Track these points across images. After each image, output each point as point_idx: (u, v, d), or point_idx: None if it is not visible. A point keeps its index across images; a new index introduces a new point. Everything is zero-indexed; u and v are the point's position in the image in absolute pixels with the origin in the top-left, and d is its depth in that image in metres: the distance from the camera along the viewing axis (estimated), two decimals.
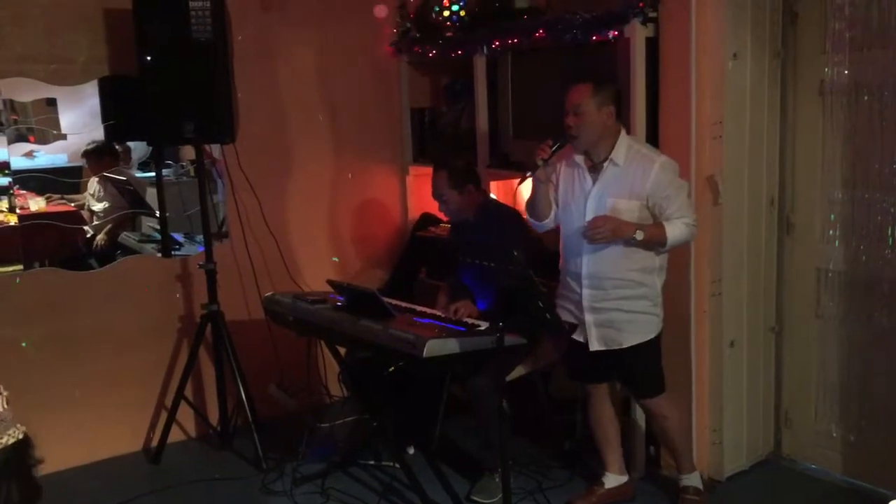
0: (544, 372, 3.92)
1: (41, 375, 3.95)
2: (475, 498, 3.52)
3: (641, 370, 3.27)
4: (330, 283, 3.57)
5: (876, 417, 3.45)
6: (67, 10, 3.88)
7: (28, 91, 4.07)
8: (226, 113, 3.77)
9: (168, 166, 5.26)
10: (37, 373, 3.94)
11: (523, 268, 2.81)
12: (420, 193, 4.79)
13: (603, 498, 3.43)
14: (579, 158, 3.17)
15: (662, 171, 3.05)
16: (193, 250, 4.41)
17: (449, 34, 4.28)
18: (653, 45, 3.42)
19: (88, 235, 5.22)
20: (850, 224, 3.44)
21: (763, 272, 3.65)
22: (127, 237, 5.21)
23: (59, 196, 5.43)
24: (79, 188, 5.47)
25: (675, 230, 3.05)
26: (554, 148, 3.09)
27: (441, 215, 4.59)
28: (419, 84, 4.82)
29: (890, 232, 3.30)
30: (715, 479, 3.62)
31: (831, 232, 3.51)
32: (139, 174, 5.77)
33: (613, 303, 3.15)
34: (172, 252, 4.51)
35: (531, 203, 3.30)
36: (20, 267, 4.06)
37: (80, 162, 5.41)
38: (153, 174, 5.00)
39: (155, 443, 4.14)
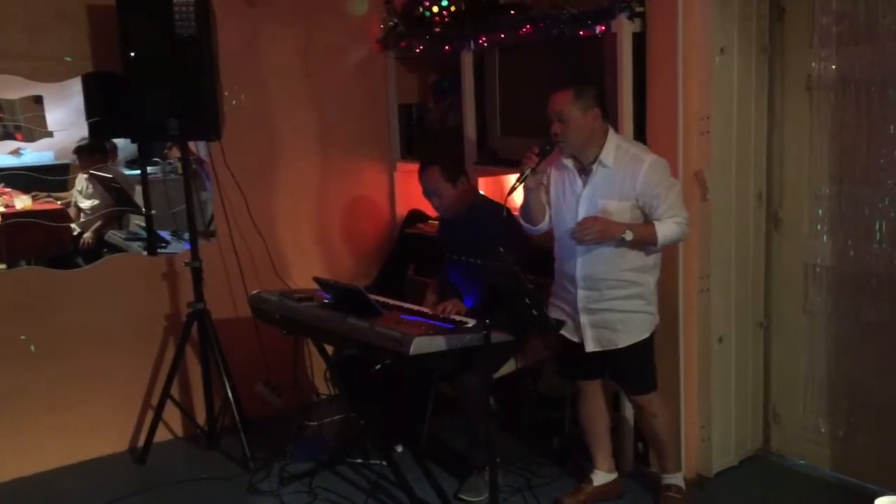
0: (533, 369, 3.91)
1: (26, 375, 3.92)
2: (463, 496, 3.51)
3: (635, 368, 3.26)
4: (316, 280, 3.55)
5: (864, 413, 3.45)
6: (50, 7, 3.84)
7: (15, 88, 4.04)
8: (211, 110, 3.74)
9: (155, 164, 5.23)
10: (21, 372, 3.91)
11: (510, 265, 2.79)
12: (408, 190, 4.77)
13: (591, 495, 3.42)
14: (568, 161, 3.16)
15: (652, 170, 3.04)
16: (180, 248, 4.38)
17: (437, 30, 4.25)
18: (640, 41, 3.40)
19: (76, 233, 5.19)
20: (837, 219, 3.44)
21: (751, 268, 3.65)
22: (113, 235, 5.18)
23: (45, 194, 5.41)
24: (65, 186, 5.44)
25: (665, 229, 3.03)
26: (540, 156, 3.07)
27: (430, 212, 4.59)
28: (406, 80, 4.80)
29: (877, 227, 3.30)
30: (704, 476, 3.62)
31: (819, 227, 3.51)
32: (127, 172, 5.75)
33: (608, 303, 3.14)
34: (158, 250, 4.48)
35: (524, 209, 3.29)
36: (3, 266, 4.03)
37: (68, 159, 5.38)
38: (137, 172, 4.97)
39: (141, 443, 4.10)
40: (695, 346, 3.51)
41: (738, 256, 3.58)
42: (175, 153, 4.67)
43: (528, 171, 3.06)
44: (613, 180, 3.07)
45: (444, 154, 3.79)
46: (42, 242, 4.81)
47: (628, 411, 3.60)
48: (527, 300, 2.85)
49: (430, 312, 3.45)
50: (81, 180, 5.37)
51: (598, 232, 3.01)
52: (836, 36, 3.31)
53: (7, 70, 3.83)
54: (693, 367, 3.53)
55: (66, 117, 5.08)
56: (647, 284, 3.17)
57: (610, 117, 3.20)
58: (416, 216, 4.77)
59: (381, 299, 3.53)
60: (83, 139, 5.23)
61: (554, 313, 3.30)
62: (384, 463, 3.64)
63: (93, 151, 5.24)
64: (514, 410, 4.05)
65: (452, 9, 4.25)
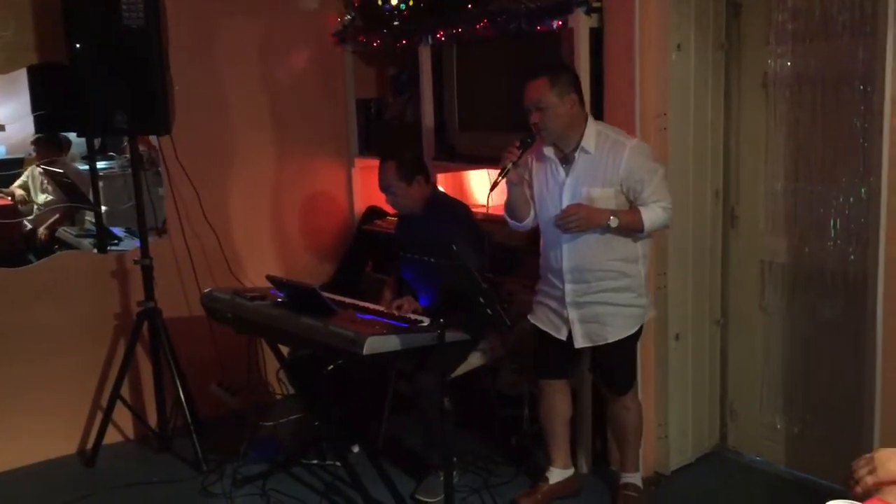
0: (491, 367, 3.87)
1: None
2: (420, 497, 3.46)
3: (619, 366, 3.23)
4: (270, 278, 3.47)
5: (819, 409, 3.47)
6: None
7: None
8: (160, 104, 3.64)
9: (111, 158, 5.11)
10: None
11: (463, 263, 2.75)
12: (366, 186, 4.71)
13: (547, 494, 3.39)
14: (549, 151, 3.10)
15: (634, 154, 2.98)
16: (133, 245, 4.27)
17: (395, 23, 4.19)
18: (597, 36, 3.38)
19: (27, 229, 5.05)
20: (793, 216, 3.45)
21: (708, 265, 3.64)
22: (65, 232, 5.06)
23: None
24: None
25: (652, 214, 2.98)
26: (521, 149, 3.01)
27: (388, 208, 4.53)
28: (364, 74, 4.74)
29: (832, 224, 3.31)
30: (661, 473, 3.61)
31: (775, 224, 3.52)
32: (83, 167, 5.63)
33: (597, 296, 3.09)
34: (109, 247, 4.37)
35: (508, 205, 3.22)
36: None
37: (22, 153, 5.24)
38: (99, 165, 4.85)
39: (90, 445, 4.00)
40: (652, 344, 3.50)
41: (695, 253, 3.58)
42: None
43: (509, 165, 3.00)
44: (596, 167, 3.01)
45: (403, 151, 3.72)
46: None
47: (587, 409, 3.58)
48: (481, 299, 2.80)
49: (386, 311, 3.39)
50: (35, 174, 5.24)
51: (582, 219, 2.95)
52: (792, 33, 3.31)
53: None
54: (650, 365, 3.52)
55: (17, 111, 4.95)
56: (637, 275, 3.11)
57: (585, 103, 3.12)
58: (374, 213, 4.71)
59: (337, 298, 3.47)
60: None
61: (539, 311, 3.26)
62: (340, 464, 3.58)
63: (49, 144, 5.12)
64: (471, 409, 4.01)
65: (411, 3, 4.20)
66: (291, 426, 4.06)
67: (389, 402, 3.77)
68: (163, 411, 4.02)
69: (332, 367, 3.01)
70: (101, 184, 4.52)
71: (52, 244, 4.72)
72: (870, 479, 1.77)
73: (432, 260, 2.88)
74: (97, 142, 4.80)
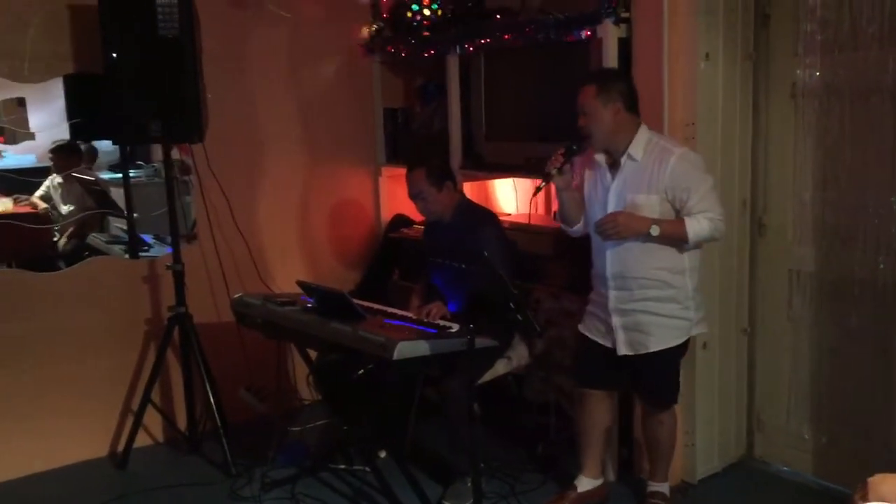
0: (517, 375, 3.89)
1: (4, 379, 3.87)
2: (447, 502, 3.48)
3: (660, 378, 3.20)
4: (300, 284, 3.52)
5: (847, 419, 3.45)
6: (31, 6, 3.79)
7: None
8: (194, 112, 3.70)
9: (139, 167, 5.19)
10: (0, 376, 3.86)
11: (494, 269, 2.77)
12: (393, 194, 4.75)
13: (575, 501, 3.40)
14: (600, 157, 3.13)
15: (680, 162, 2.97)
16: (163, 251, 4.34)
17: (426, 34, 4.24)
18: (625, 46, 3.40)
19: (56, 239, 5.14)
20: (821, 226, 3.44)
21: (736, 274, 3.65)
22: (95, 238, 5.14)
23: (26, 197, 5.36)
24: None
25: (696, 225, 2.95)
26: (566, 157, 3.05)
27: (414, 216, 4.57)
28: (392, 84, 4.78)
29: (861, 233, 3.30)
30: (688, 482, 3.61)
31: (803, 234, 3.51)
32: (110, 176, 5.71)
33: (640, 304, 3.08)
34: (140, 253, 4.44)
35: (560, 211, 3.26)
36: None
37: (50, 162, 5.33)
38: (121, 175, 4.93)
39: (121, 448, 4.05)
40: None
41: (723, 262, 3.58)
42: (159, 155, 4.64)
43: (553, 171, 3.04)
44: (642, 173, 3.02)
45: (431, 157, 3.77)
46: (22, 245, 4.76)
47: (613, 417, 3.58)
48: (512, 305, 2.83)
49: (414, 317, 3.43)
50: (55, 184, 5.33)
51: (620, 225, 2.96)
52: (821, 43, 3.32)
53: None
54: None
55: (48, 119, 5.03)
56: (683, 287, 3.08)
57: (638, 111, 3.13)
58: (400, 221, 4.75)
59: (365, 304, 3.51)
60: (59, 140, 5.19)
61: (588, 320, 3.27)
62: (367, 469, 3.61)
63: (69, 153, 5.21)
64: (498, 416, 4.03)
65: (439, 13, 4.25)
66: (319, 431, 4.10)
67: (416, 407, 3.79)
68: (192, 415, 4.07)
69: (362, 371, 3.04)
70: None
71: (82, 251, 4.80)
72: None
73: (463, 266, 2.91)
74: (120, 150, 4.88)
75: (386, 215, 4.81)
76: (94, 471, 4.00)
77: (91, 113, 4.03)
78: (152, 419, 4.13)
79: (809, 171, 3.45)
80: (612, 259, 3.09)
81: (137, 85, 3.66)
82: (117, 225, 5.25)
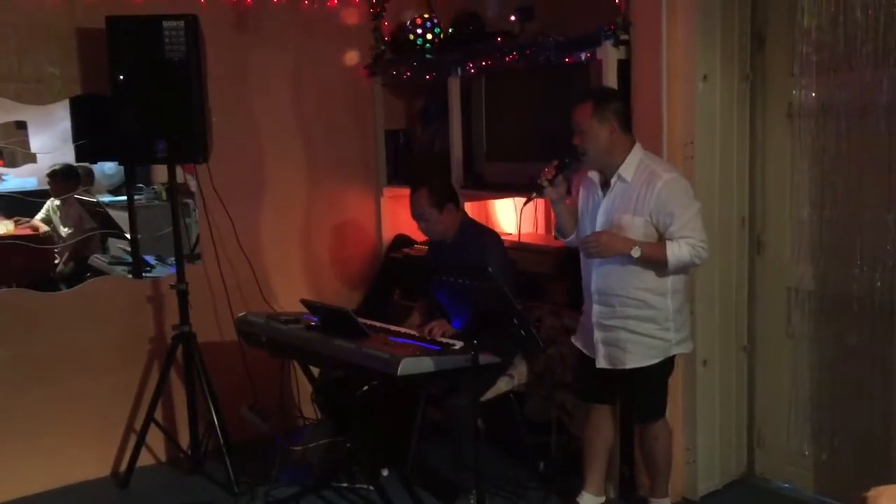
0: (519, 393, 3.91)
1: (8, 398, 3.88)
2: None
3: (642, 394, 3.24)
4: (304, 302, 3.55)
5: (847, 436, 3.48)
6: (40, 29, 3.85)
7: None
8: (199, 133, 3.75)
9: (139, 190, 5.23)
10: (3, 395, 3.87)
11: (498, 284, 2.81)
12: (394, 215, 4.80)
13: None
14: (594, 175, 3.20)
15: (667, 187, 3.02)
16: (165, 272, 4.37)
17: (428, 56, 4.30)
18: (625, 67, 3.46)
19: (56, 262, 5.16)
20: (818, 243, 3.49)
21: (735, 291, 3.69)
22: (97, 259, 5.17)
23: (27, 219, 5.39)
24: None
25: (677, 249, 3.00)
26: (559, 169, 3.10)
27: (416, 236, 4.61)
28: (393, 106, 4.84)
29: (858, 250, 3.35)
30: (689, 499, 3.62)
31: (801, 252, 3.56)
32: (110, 199, 5.74)
33: (620, 321, 3.13)
34: (143, 273, 4.47)
35: (556, 222, 3.33)
36: None
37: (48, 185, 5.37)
38: (123, 198, 4.97)
39: (123, 467, 4.06)
40: (680, 369, 3.52)
41: (722, 280, 3.62)
42: (160, 178, 4.68)
43: (545, 183, 3.09)
44: (630, 195, 3.08)
45: (434, 178, 3.82)
46: (24, 267, 4.78)
47: (614, 434, 3.60)
48: (515, 321, 2.86)
49: (417, 334, 3.45)
50: (54, 207, 5.36)
51: (602, 245, 3.02)
52: (816, 64, 3.38)
53: None
54: (678, 390, 3.54)
55: (50, 142, 5.07)
56: (664, 309, 3.12)
57: (632, 131, 3.19)
58: (401, 241, 4.79)
59: (368, 322, 3.54)
60: (55, 165, 5.23)
61: (580, 331, 3.33)
62: (370, 487, 3.62)
63: (66, 177, 5.24)
64: (500, 435, 4.04)
65: (441, 36, 4.32)
66: (322, 450, 4.09)
67: (419, 425, 3.81)
68: (195, 434, 4.08)
69: (366, 387, 3.06)
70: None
71: (83, 272, 4.82)
72: None
73: (467, 282, 2.94)
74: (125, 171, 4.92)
75: (387, 235, 4.85)
76: (96, 491, 4.00)
77: (97, 134, 4.07)
78: (155, 438, 4.14)
79: (806, 189, 3.50)
80: (597, 274, 3.16)
81: (143, 106, 3.71)
82: (119, 246, 5.28)
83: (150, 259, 4.73)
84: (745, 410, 3.80)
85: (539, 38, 3.68)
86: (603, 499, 3.49)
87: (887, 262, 3.24)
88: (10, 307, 3.92)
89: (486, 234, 3.74)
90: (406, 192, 4.23)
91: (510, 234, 4.54)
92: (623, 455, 3.65)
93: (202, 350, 3.99)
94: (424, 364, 3.03)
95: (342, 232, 4.80)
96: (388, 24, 4.64)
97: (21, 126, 4.95)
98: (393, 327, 3.59)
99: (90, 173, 5.69)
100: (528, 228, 3.44)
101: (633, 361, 3.15)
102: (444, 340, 3.34)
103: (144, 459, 4.10)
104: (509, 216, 4.69)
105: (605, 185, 3.16)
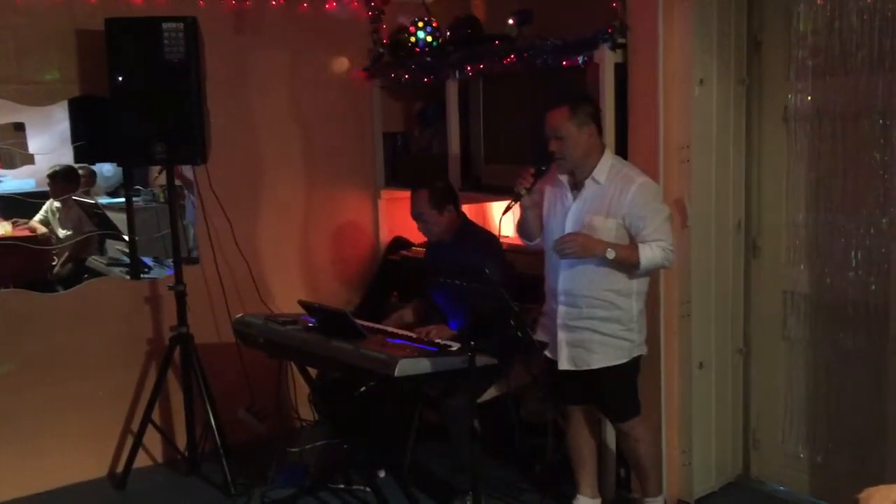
0: (515, 395, 3.92)
1: (4, 399, 3.88)
2: None
3: (613, 394, 3.27)
4: (301, 303, 3.56)
5: (842, 438, 3.49)
6: (38, 31, 3.86)
7: None
8: (198, 134, 3.76)
9: (137, 192, 5.24)
10: (0, 397, 3.87)
11: (495, 286, 2.82)
12: (392, 217, 4.81)
13: None
14: (563, 177, 3.22)
15: (641, 190, 3.07)
16: (163, 273, 4.38)
17: (428, 59, 4.31)
18: (622, 71, 3.47)
19: (54, 263, 5.17)
20: (814, 247, 3.51)
21: (731, 294, 3.70)
22: (95, 261, 5.17)
23: (24, 221, 5.40)
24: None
25: (649, 252, 3.06)
26: (536, 176, 3.12)
27: (413, 238, 4.63)
28: (392, 108, 4.85)
29: (853, 255, 3.36)
30: (685, 501, 3.63)
31: (797, 255, 3.57)
32: (108, 201, 5.75)
33: (586, 322, 3.16)
34: (141, 275, 4.47)
35: (521, 224, 3.35)
36: None
37: (49, 187, 5.37)
38: (121, 200, 4.97)
39: (121, 468, 4.06)
40: (676, 372, 3.55)
41: (718, 283, 3.64)
42: (160, 180, 4.69)
43: (523, 191, 3.12)
44: (603, 197, 3.11)
45: (437, 180, 3.83)
46: (22, 268, 4.79)
47: (609, 436, 3.62)
48: (512, 322, 2.87)
49: (415, 336, 3.47)
50: (53, 208, 5.37)
51: (578, 246, 3.05)
52: (812, 69, 3.40)
53: None
54: (674, 393, 3.56)
55: (48, 144, 5.08)
56: (629, 309, 3.18)
57: (605, 135, 3.24)
58: (399, 243, 4.80)
59: (366, 323, 3.55)
60: (55, 165, 5.24)
61: (541, 333, 3.33)
62: (367, 488, 3.63)
63: (66, 179, 5.25)
64: (496, 437, 4.05)
65: (430, 39, 4.33)
66: (318, 451, 4.11)
67: (416, 426, 3.82)
68: (192, 435, 4.08)
69: (364, 388, 3.07)
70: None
71: (81, 273, 4.83)
72: None
73: (464, 283, 2.95)
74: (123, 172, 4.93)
75: (385, 237, 4.86)
76: (93, 491, 4.01)
77: (96, 136, 4.08)
78: (152, 439, 4.15)
79: (802, 193, 3.51)
80: (564, 276, 3.18)
81: (142, 108, 3.72)
82: (117, 248, 5.29)
83: (148, 260, 4.74)
84: (740, 413, 3.81)
85: (536, 41, 3.69)
86: (598, 501, 3.51)
87: (882, 266, 3.26)
88: (7, 308, 3.92)
89: (485, 237, 3.75)
90: (404, 194, 4.24)
91: (507, 236, 4.55)
92: (619, 457, 3.66)
93: (200, 351, 4.00)
94: (421, 365, 3.04)
95: (340, 234, 4.81)
96: (386, 27, 4.65)
97: (19, 128, 4.96)
98: (390, 329, 3.59)
99: (92, 174, 5.71)
100: (510, 231, 3.47)
101: (598, 362, 3.17)
102: (442, 342, 3.35)
103: (141, 460, 4.10)
104: (506, 218, 4.69)
105: (575, 186, 3.19)
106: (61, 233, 5.35)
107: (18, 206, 5.25)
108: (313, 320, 3.52)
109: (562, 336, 3.21)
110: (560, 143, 3.10)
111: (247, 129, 4.43)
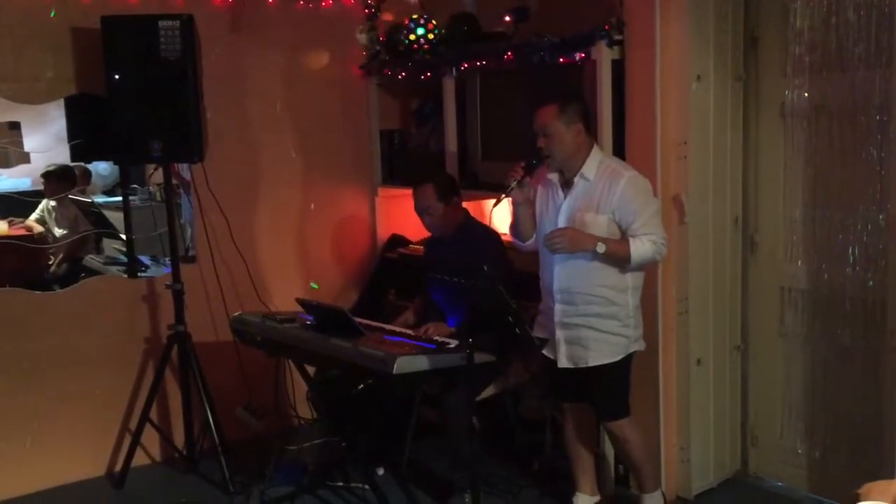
0: (514, 392, 3.92)
1: (1, 398, 3.88)
2: None
3: (605, 392, 3.26)
4: (299, 301, 3.56)
5: (840, 434, 3.50)
6: (34, 29, 3.85)
7: None
8: (194, 132, 3.75)
9: (134, 191, 5.24)
10: None
11: (494, 283, 2.82)
12: (389, 214, 4.81)
13: None
14: (553, 176, 3.22)
15: (629, 185, 3.09)
16: (160, 272, 4.37)
17: (427, 57, 4.30)
18: (619, 67, 3.47)
19: (50, 262, 5.17)
20: (812, 243, 3.51)
21: (728, 291, 3.70)
22: (92, 259, 5.17)
23: (20, 220, 5.40)
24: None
25: (640, 246, 3.06)
26: (526, 170, 3.12)
27: (411, 236, 4.63)
28: (389, 106, 4.84)
29: (851, 251, 3.36)
30: (683, 498, 3.64)
31: (794, 251, 3.58)
32: (104, 199, 5.75)
33: (583, 319, 3.16)
34: (138, 273, 4.47)
35: (514, 225, 3.35)
36: None
37: (42, 185, 5.37)
38: (117, 198, 4.97)
39: (119, 467, 4.06)
40: (673, 368, 3.55)
41: (716, 280, 3.64)
42: (156, 178, 4.69)
43: (513, 184, 3.12)
44: (593, 193, 3.12)
45: (440, 174, 3.84)
46: (19, 267, 4.79)
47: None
48: (510, 318, 2.87)
49: (413, 333, 3.47)
50: (48, 207, 5.37)
51: (568, 240, 3.05)
52: (809, 64, 3.40)
53: None
54: (672, 389, 3.57)
55: (44, 142, 5.08)
56: (625, 305, 3.18)
57: (593, 132, 3.25)
58: (397, 241, 4.79)
59: (364, 321, 3.54)
60: (50, 165, 5.23)
61: (538, 331, 3.32)
62: (366, 486, 3.63)
63: (60, 178, 5.24)
64: (494, 434, 4.05)
65: (432, 37, 4.32)
66: (316, 449, 4.10)
67: (414, 424, 3.82)
68: (190, 433, 4.08)
69: (362, 386, 3.07)
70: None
71: (77, 272, 4.82)
72: None
73: (462, 281, 2.95)
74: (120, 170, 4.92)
75: (382, 235, 4.85)
76: (91, 490, 4.00)
77: (92, 134, 4.07)
78: (150, 438, 4.14)
79: (799, 189, 3.52)
80: (559, 274, 3.18)
81: (139, 106, 3.72)
82: (114, 246, 5.29)
83: (145, 259, 4.74)
84: (738, 409, 3.82)
85: (533, 38, 3.69)
86: (598, 498, 3.51)
87: (879, 262, 3.26)
88: (4, 307, 3.91)
89: (486, 234, 3.75)
90: (401, 192, 4.24)
91: (504, 233, 4.55)
92: (618, 454, 3.66)
93: (197, 350, 4.00)
94: (420, 363, 3.04)
95: (337, 232, 4.80)
96: (382, 25, 4.65)
97: (14, 126, 4.96)
98: (388, 326, 3.59)
99: (87, 173, 5.70)
100: (504, 229, 3.48)
101: (595, 359, 3.17)
102: (440, 339, 3.35)
103: (140, 459, 4.10)
104: (504, 215, 4.70)
105: (566, 184, 3.19)
106: (58, 232, 5.35)
107: (15, 205, 5.25)
108: (311, 318, 3.51)
109: (559, 334, 3.22)
110: (547, 141, 3.11)
111: (243, 126, 4.42)
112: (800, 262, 3.55)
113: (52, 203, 5.38)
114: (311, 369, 3.88)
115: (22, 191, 5.59)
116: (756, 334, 3.76)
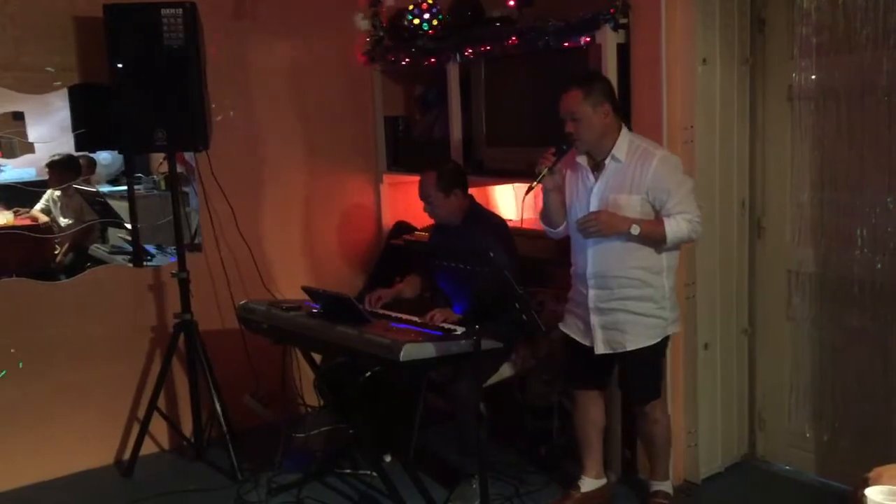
0: (520, 378, 3.92)
1: (11, 388, 3.89)
2: None
3: (641, 376, 3.24)
4: (305, 289, 3.55)
5: (848, 417, 3.49)
6: (37, 18, 3.84)
7: None
8: (198, 120, 3.74)
9: (138, 180, 5.23)
10: (6, 385, 3.88)
11: (500, 269, 2.81)
12: (394, 201, 4.80)
13: (578, 502, 3.43)
14: (581, 159, 3.18)
15: (662, 164, 3.04)
16: (165, 261, 4.37)
17: (430, 42, 4.28)
18: (624, 51, 3.45)
19: (56, 252, 5.17)
20: (819, 226, 3.50)
21: (735, 275, 3.69)
22: (97, 249, 5.17)
23: (26, 210, 5.39)
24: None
25: (675, 225, 3.02)
26: (557, 156, 3.09)
27: (416, 223, 4.62)
28: (393, 92, 4.83)
29: (858, 233, 3.35)
30: (691, 482, 3.64)
31: (801, 234, 3.56)
32: (109, 189, 5.74)
33: (619, 303, 3.13)
34: (144, 262, 4.47)
35: (544, 212, 3.31)
36: None
37: (47, 175, 5.36)
38: (122, 187, 4.96)
39: (127, 455, 4.07)
40: (681, 353, 3.55)
41: (723, 263, 3.63)
42: (163, 168, 4.67)
43: (545, 171, 3.08)
44: (624, 174, 3.07)
45: (447, 163, 3.81)
46: (25, 257, 4.78)
47: (616, 418, 3.62)
48: (517, 304, 2.87)
49: (419, 321, 3.46)
50: (54, 197, 5.36)
51: (602, 223, 3.02)
52: (816, 47, 3.38)
53: None
54: (679, 373, 3.56)
55: (48, 132, 5.06)
56: (660, 287, 3.14)
57: (621, 111, 3.20)
58: (402, 227, 4.78)
59: (370, 308, 3.54)
60: (55, 154, 5.22)
61: (569, 318, 3.31)
62: (373, 473, 3.64)
63: (65, 168, 5.23)
64: (501, 420, 4.05)
65: (436, 21, 4.30)
66: (324, 436, 4.11)
67: (421, 410, 3.82)
68: (198, 422, 4.09)
69: (368, 373, 3.07)
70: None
71: (83, 262, 4.82)
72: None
73: (469, 267, 2.94)
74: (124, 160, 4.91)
75: (387, 222, 4.84)
76: (100, 479, 4.02)
77: (96, 123, 4.06)
78: (158, 427, 4.16)
79: (807, 172, 3.50)
80: (592, 258, 3.15)
81: (143, 95, 3.71)
82: (120, 235, 5.29)
83: (151, 248, 4.74)
84: (746, 393, 3.81)
85: (538, 22, 3.67)
86: (604, 481, 3.51)
87: (888, 245, 3.25)
88: (10, 297, 3.92)
89: (492, 220, 3.74)
90: (406, 178, 4.22)
91: (511, 219, 4.54)
92: (625, 438, 3.67)
93: (204, 338, 4.00)
94: (426, 350, 3.04)
95: (343, 219, 4.80)
96: (386, 10, 4.62)
97: (18, 117, 4.94)
98: (394, 314, 3.59)
99: (92, 163, 5.69)
100: (529, 214, 3.45)
101: (633, 343, 3.15)
102: (447, 326, 3.35)
103: (148, 448, 4.12)
104: (509, 202, 4.69)
105: (596, 167, 3.16)
106: (63, 221, 5.34)
107: (19, 195, 5.24)
108: (317, 306, 3.51)
109: (595, 320, 3.18)
110: (576, 125, 3.06)
111: (248, 114, 4.41)
112: (807, 246, 3.54)
113: (57, 193, 5.37)
114: (317, 357, 3.89)
115: (26, 181, 5.58)
116: (763, 318, 3.75)
